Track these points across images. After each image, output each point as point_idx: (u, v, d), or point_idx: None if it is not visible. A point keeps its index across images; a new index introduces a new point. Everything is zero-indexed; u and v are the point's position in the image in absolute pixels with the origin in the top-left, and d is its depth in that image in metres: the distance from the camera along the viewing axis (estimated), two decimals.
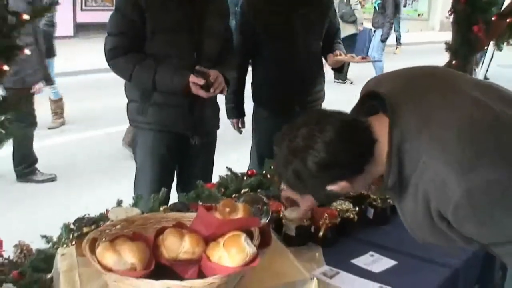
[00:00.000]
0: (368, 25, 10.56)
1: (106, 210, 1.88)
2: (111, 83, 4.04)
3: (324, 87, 3.32)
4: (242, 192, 2.20)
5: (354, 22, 9.72)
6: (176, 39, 2.55)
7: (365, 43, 10.39)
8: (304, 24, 2.99)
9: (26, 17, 1.69)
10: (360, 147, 1.39)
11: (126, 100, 2.76)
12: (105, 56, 2.58)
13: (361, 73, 7.76)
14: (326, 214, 1.96)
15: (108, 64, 2.60)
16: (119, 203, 1.97)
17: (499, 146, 1.31)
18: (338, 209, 2.04)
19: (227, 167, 2.50)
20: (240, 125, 3.33)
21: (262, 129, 3.19)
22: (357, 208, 2.09)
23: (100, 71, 7.75)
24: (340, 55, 3.15)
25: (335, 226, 1.99)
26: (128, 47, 2.53)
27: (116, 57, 2.55)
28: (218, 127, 2.93)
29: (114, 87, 2.74)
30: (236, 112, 3.27)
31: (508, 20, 3.18)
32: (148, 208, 1.96)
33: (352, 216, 2.06)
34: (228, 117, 3.26)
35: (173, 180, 2.87)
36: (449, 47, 3.38)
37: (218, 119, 2.90)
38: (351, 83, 9.78)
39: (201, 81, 2.50)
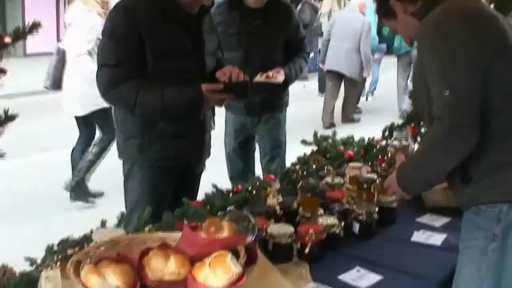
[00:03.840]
0: None
1: (91, 230, 1.86)
2: None
3: (288, 94, 3.63)
4: (227, 209, 2.19)
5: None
6: (180, 64, 2.40)
7: None
8: (260, 36, 3.28)
9: (7, 39, 1.68)
10: None
11: None
12: (100, 89, 2.36)
13: None
14: (311, 230, 1.96)
15: (105, 98, 2.40)
16: (103, 223, 1.96)
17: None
18: (324, 225, 2.04)
19: (212, 184, 2.49)
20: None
21: (231, 125, 3.66)
22: (342, 223, 2.10)
23: None
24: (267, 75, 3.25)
25: (321, 241, 1.99)
26: (129, 76, 2.31)
27: (117, 87, 2.31)
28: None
29: None
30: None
31: None
32: (133, 228, 1.94)
33: (338, 231, 2.06)
34: None
35: None
36: None
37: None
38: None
39: (220, 85, 2.37)
